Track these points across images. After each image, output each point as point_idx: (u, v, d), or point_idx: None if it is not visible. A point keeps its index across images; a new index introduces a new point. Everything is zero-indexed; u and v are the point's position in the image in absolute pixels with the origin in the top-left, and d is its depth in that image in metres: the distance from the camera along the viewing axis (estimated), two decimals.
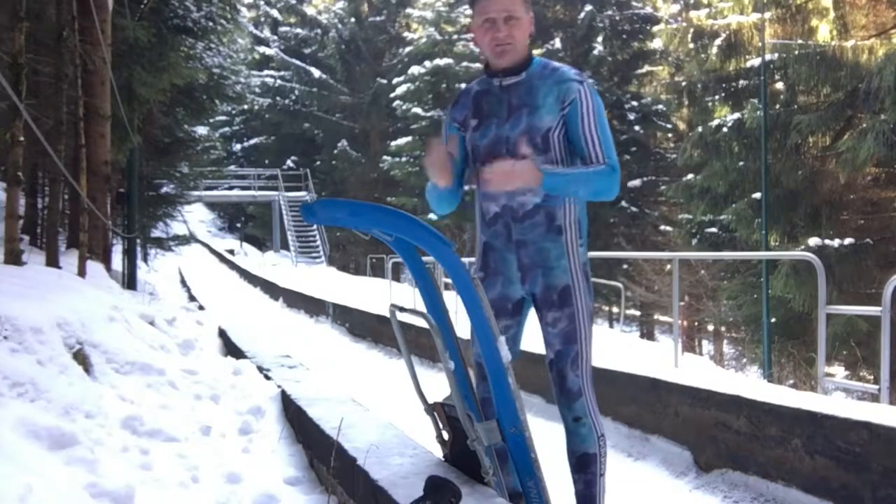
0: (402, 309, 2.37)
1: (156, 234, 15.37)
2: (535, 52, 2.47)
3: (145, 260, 15.41)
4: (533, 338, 2.66)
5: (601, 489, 2.39)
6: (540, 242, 2.37)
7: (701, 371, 5.11)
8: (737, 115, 14.02)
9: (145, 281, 11.74)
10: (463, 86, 2.47)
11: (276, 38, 32.78)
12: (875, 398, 4.05)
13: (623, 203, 25.03)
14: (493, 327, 2.14)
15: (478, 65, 25.75)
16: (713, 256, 15.73)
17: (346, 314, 10.91)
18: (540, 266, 2.38)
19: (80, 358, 3.38)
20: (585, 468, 2.37)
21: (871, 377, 9.87)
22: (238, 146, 34.78)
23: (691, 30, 16.10)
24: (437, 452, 2.67)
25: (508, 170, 2.26)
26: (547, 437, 3.78)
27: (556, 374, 2.39)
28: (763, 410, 3.40)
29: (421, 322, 2.21)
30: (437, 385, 2.64)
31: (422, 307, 2.39)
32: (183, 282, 17.77)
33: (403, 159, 25.68)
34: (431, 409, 2.49)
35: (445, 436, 2.50)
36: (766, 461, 3.37)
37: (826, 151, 13.02)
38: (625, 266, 21.51)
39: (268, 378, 4.45)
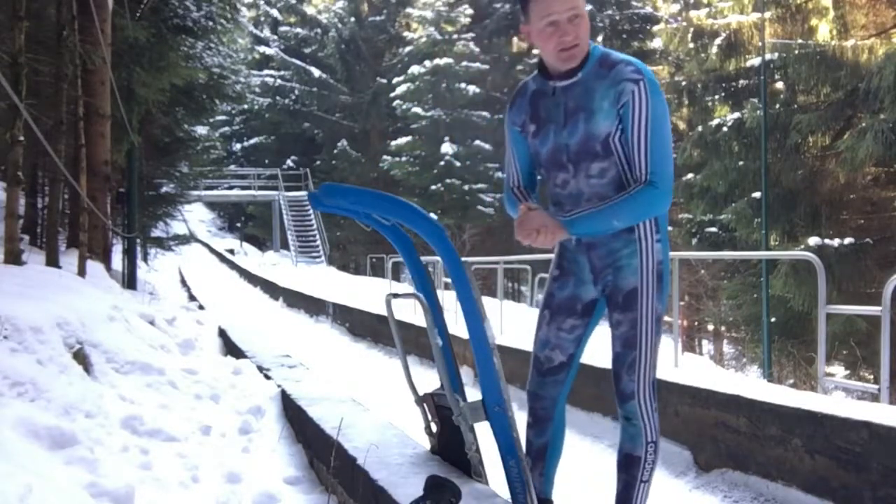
0: (395, 295, 2.44)
1: (156, 233, 15.38)
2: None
3: (145, 260, 15.41)
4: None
5: (641, 495, 2.31)
6: (610, 243, 2.24)
7: (701, 371, 5.11)
8: (737, 115, 14.00)
9: (145, 280, 11.74)
10: (507, 86, 2.38)
11: (276, 37, 32.76)
12: (875, 398, 4.04)
13: None
14: (481, 308, 2.16)
15: (477, 64, 25.73)
16: (713, 256, 15.70)
17: (346, 314, 10.90)
18: (611, 266, 2.25)
19: (80, 358, 3.37)
20: (628, 469, 2.30)
21: (871, 377, 9.86)
22: (238, 146, 34.80)
23: (691, 29, 16.08)
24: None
25: (526, 232, 2.11)
26: None
27: (613, 373, 2.30)
28: (763, 410, 3.40)
29: (421, 322, 2.23)
30: (437, 385, 2.64)
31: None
32: (183, 281, 17.77)
33: (403, 159, 25.67)
34: (421, 400, 2.52)
35: (434, 428, 2.53)
36: (766, 461, 3.37)
37: (826, 151, 13.01)
38: None
39: (268, 378, 4.45)
